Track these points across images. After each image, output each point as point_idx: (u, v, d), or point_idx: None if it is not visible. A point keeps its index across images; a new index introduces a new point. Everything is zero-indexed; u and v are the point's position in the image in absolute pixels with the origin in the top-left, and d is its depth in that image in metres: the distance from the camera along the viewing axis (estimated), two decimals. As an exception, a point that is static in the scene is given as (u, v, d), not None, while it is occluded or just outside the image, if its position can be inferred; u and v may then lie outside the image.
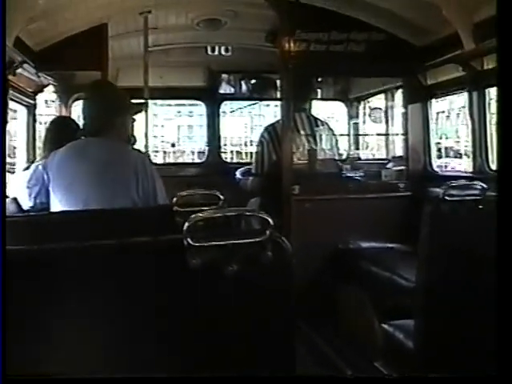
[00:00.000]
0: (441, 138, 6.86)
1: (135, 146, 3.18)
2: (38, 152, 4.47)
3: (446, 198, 2.17)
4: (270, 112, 7.16)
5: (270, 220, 1.07)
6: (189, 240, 1.03)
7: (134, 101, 3.13)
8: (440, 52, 4.04)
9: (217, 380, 1.08)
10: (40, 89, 4.73)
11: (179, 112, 7.62)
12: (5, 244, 1.03)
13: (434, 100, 4.57)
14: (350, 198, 4.18)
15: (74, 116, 5.15)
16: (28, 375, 1.01)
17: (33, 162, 3.87)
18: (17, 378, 1.00)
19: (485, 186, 2.21)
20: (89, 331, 1.06)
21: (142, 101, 4.26)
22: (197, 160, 6.83)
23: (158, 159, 6.91)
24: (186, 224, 1.04)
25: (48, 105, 5.50)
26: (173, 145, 7.62)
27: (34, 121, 4.70)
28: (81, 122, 3.00)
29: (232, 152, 7.83)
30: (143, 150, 4.41)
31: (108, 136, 2.86)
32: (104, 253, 1.09)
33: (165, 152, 7.85)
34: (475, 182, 2.27)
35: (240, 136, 8.16)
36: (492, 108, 3.93)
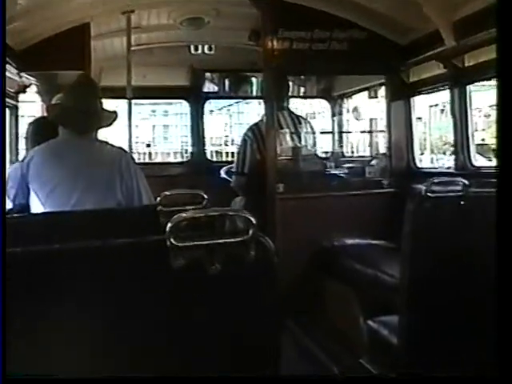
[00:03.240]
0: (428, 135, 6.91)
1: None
2: (21, 153, 4.44)
3: (428, 194, 2.18)
4: (253, 110, 7.18)
5: (252, 219, 1.07)
6: (172, 240, 1.04)
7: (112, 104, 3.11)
8: (422, 49, 4.06)
9: (215, 380, 1.08)
10: (22, 89, 4.69)
11: (154, 111, 7.62)
12: (5, 244, 1.03)
13: (417, 97, 4.60)
14: (334, 196, 4.20)
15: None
16: (28, 375, 1.00)
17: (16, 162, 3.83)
18: (17, 377, 0.99)
19: (466, 182, 2.22)
20: (74, 332, 1.06)
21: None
22: (181, 159, 6.82)
23: (138, 158, 6.89)
24: (169, 224, 1.04)
25: (30, 105, 5.46)
26: (148, 145, 7.60)
27: (17, 122, 4.67)
28: (61, 116, 2.90)
29: (217, 151, 7.84)
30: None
31: (90, 134, 2.84)
32: (87, 254, 1.09)
33: (150, 153, 7.85)
34: (457, 179, 2.28)
35: (224, 134, 8.17)
36: (473, 105, 3.96)
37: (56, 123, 2.89)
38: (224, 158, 7.54)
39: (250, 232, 1.07)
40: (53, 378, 1.01)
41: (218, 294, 1.11)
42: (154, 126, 8.21)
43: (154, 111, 8.04)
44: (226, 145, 8.15)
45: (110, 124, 2.97)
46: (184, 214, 1.08)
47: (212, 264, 1.06)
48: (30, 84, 4.79)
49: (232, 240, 1.07)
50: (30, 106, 5.45)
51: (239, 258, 1.08)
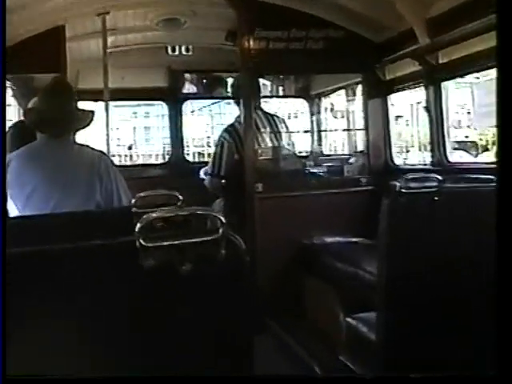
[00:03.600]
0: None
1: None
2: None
3: (403, 190, 2.20)
4: (234, 110, 7.16)
5: (222, 218, 1.08)
6: (141, 241, 1.03)
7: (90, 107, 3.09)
8: (396, 47, 4.09)
9: (214, 380, 1.08)
10: (-3, 93, 4.64)
11: (135, 113, 7.58)
12: (5, 244, 1.02)
13: (394, 94, 4.63)
14: (313, 194, 4.22)
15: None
16: (28, 375, 1.00)
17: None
18: (17, 377, 0.99)
19: (441, 178, 2.25)
20: (49, 332, 1.06)
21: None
22: (160, 160, 6.80)
23: (119, 161, 6.86)
24: (138, 225, 1.04)
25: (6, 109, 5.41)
26: (129, 147, 7.55)
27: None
28: (37, 120, 2.87)
29: (198, 153, 7.82)
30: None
31: (67, 137, 2.83)
32: (59, 257, 1.09)
33: (131, 155, 7.80)
34: (432, 175, 2.31)
35: (205, 135, 8.14)
36: (449, 101, 4.00)
37: (33, 128, 2.87)
38: (204, 159, 7.53)
39: (220, 231, 1.07)
40: (53, 378, 1.01)
41: (189, 293, 1.11)
42: (134, 128, 8.17)
43: (135, 113, 8.00)
44: (209, 146, 8.13)
45: (88, 124, 2.95)
46: (153, 214, 1.07)
47: (182, 264, 1.06)
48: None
49: (202, 239, 1.07)
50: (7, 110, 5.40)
51: (210, 258, 1.08)
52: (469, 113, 6.88)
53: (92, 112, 2.97)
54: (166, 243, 1.05)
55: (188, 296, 1.12)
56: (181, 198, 1.85)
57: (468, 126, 6.90)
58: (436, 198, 2.18)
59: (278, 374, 1.17)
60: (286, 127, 4.71)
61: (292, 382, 1.19)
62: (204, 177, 4.87)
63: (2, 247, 1.01)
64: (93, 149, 2.97)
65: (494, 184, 1.41)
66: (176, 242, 1.05)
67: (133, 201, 1.89)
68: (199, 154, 7.79)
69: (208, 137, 8.11)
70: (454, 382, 1.20)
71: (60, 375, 1.02)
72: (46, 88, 2.95)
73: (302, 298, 3.89)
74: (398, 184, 2.24)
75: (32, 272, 1.06)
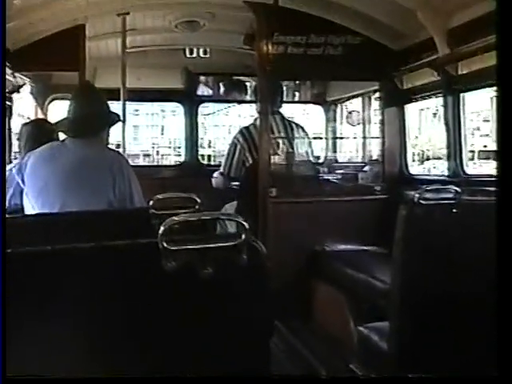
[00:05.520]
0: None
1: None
2: (14, 155, 4.43)
3: (420, 201, 2.19)
4: (250, 113, 7.17)
5: (245, 224, 1.08)
6: (164, 244, 1.04)
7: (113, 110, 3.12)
8: (416, 56, 4.07)
9: (215, 380, 1.09)
10: (16, 89, 4.67)
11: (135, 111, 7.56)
12: (5, 244, 1.03)
13: (412, 103, 4.61)
14: (326, 201, 4.21)
15: (50, 117, 5.12)
16: (28, 375, 1.00)
17: (9, 164, 3.83)
18: (17, 378, 0.99)
19: (458, 189, 2.24)
20: (65, 333, 1.06)
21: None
22: (174, 162, 6.82)
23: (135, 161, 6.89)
24: (162, 228, 1.04)
25: (24, 106, 5.45)
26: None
27: (10, 122, 4.65)
28: (63, 122, 2.97)
29: (212, 155, 7.83)
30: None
31: (88, 138, 2.85)
32: (79, 256, 1.09)
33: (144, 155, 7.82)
34: (449, 186, 2.29)
35: (218, 137, 8.15)
36: (466, 112, 3.98)
37: (65, 134, 2.93)
38: (218, 162, 7.54)
39: (243, 236, 1.07)
40: (53, 378, 1.01)
41: (210, 297, 1.11)
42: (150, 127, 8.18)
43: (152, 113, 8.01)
44: (219, 147, 8.15)
45: (112, 125, 3.01)
46: (177, 218, 1.08)
47: (204, 268, 1.06)
48: (24, 84, 4.77)
49: (224, 244, 1.07)
50: (23, 106, 5.43)
51: (232, 262, 1.08)
52: (485, 121, 6.83)
53: (117, 115, 3.04)
54: (188, 247, 1.05)
55: (208, 299, 1.12)
56: (198, 200, 1.86)
57: (487, 135, 6.84)
58: (454, 210, 2.17)
59: (282, 375, 1.16)
60: (305, 133, 4.70)
61: (292, 382, 1.19)
62: (214, 176, 4.83)
63: (1, 247, 1.01)
64: (110, 149, 3.02)
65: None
66: (199, 246, 1.05)
67: (151, 202, 1.90)
68: (213, 156, 7.81)
69: (224, 137, 8.12)
70: (455, 382, 1.19)
71: (60, 375, 1.02)
72: (73, 94, 3.01)
73: (314, 303, 3.89)
74: (415, 194, 2.23)
75: (48, 270, 1.06)
